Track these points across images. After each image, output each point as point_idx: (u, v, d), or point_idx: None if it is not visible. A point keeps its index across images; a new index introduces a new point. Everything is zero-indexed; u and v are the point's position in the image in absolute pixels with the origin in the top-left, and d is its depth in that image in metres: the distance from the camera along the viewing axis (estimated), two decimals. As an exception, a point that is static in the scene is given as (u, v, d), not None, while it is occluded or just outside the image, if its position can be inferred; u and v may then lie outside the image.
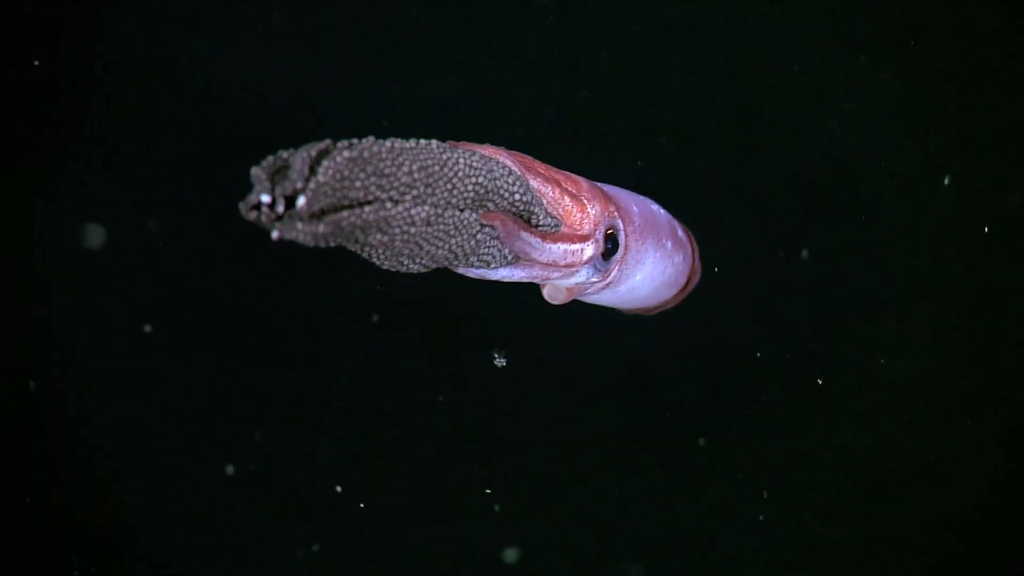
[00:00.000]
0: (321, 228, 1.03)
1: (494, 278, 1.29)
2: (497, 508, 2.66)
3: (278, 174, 1.05)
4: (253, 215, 1.04)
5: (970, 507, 2.64)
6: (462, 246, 1.18)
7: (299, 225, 1.02)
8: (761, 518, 2.67)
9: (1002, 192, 2.62)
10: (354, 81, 2.60)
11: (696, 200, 2.42)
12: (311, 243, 1.03)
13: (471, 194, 1.17)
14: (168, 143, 2.56)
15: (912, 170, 2.66)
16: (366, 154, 1.07)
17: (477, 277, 1.29)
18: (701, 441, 2.70)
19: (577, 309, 1.70)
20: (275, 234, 1.02)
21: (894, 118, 2.64)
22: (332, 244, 1.07)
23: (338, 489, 2.61)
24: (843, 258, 2.69)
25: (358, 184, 1.06)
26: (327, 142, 1.08)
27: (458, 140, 1.24)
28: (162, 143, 2.57)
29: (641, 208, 1.57)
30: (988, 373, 2.65)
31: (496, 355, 1.76)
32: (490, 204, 1.20)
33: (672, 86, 2.68)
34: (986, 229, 2.60)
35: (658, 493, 2.72)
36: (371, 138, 1.09)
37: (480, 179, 1.18)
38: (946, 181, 2.62)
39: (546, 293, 1.45)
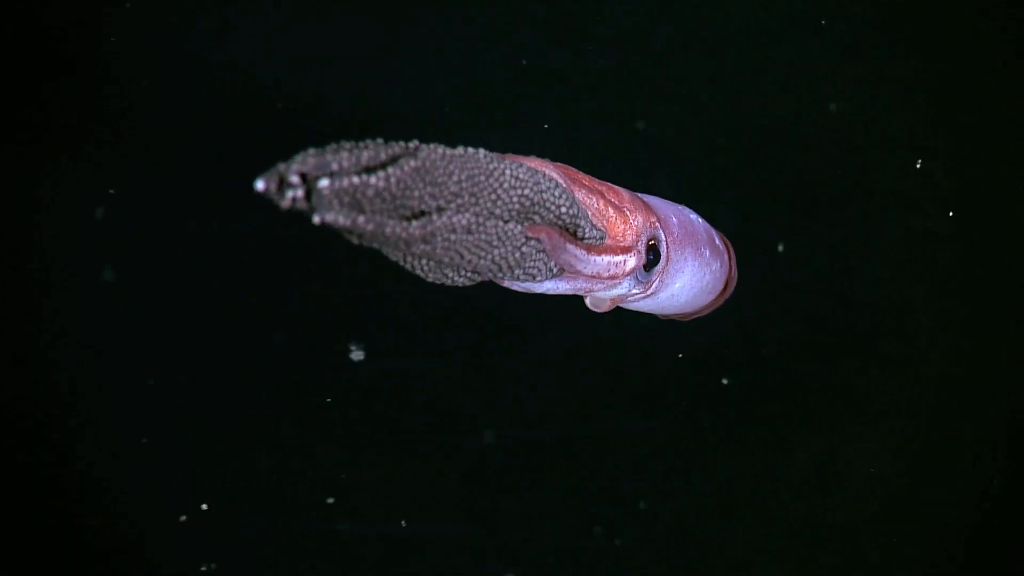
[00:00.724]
0: (362, 220, 1.00)
1: (539, 291, 1.28)
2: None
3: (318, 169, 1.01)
4: (283, 191, 0.98)
5: (971, 507, 2.64)
6: (506, 258, 1.16)
7: (335, 205, 0.99)
8: (763, 518, 2.68)
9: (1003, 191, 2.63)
10: (365, 82, 2.60)
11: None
12: (352, 228, 1.00)
13: (516, 206, 1.16)
14: (170, 142, 2.56)
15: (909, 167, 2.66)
16: (427, 164, 1.06)
17: (522, 290, 1.28)
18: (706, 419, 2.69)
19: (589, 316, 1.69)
20: (316, 218, 0.98)
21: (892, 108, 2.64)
22: (371, 244, 1.04)
23: (330, 501, 2.60)
24: (843, 257, 2.69)
25: (416, 194, 1.05)
26: (388, 146, 1.05)
27: (495, 150, 1.22)
28: (165, 141, 2.56)
29: (680, 218, 1.58)
30: (990, 372, 2.65)
31: (353, 348, 1.75)
32: (536, 217, 1.19)
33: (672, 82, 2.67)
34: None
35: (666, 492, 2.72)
36: (431, 145, 1.08)
37: (526, 191, 1.17)
38: (918, 164, 2.62)
39: (589, 303, 1.46)
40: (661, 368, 2.70)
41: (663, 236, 1.45)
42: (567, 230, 1.24)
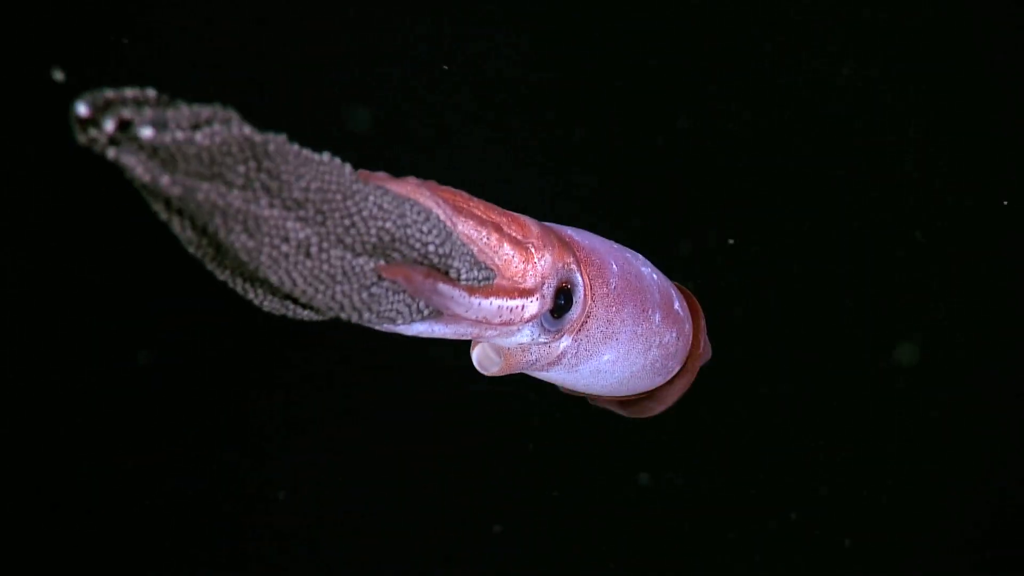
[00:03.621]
0: (166, 180, 0.85)
1: (409, 334, 1.09)
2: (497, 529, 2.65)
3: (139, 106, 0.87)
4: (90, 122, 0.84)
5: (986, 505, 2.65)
6: (350, 297, 0.99)
7: (140, 155, 0.84)
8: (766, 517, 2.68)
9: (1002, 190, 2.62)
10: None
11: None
12: (150, 184, 0.86)
13: (373, 239, 0.99)
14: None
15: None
16: (271, 146, 0.90)
17: (388, 331, 1.09)
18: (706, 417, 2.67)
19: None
20: (111, 152, 0.83)
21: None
22: (176, 218, 0.89)
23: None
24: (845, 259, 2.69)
25: (241, 169, 0.89)
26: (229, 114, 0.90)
27: (373, 170, 1.06)
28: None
29: (623, 267, 1.29)
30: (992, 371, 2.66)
31: None
32: (396, 254, 1.02)
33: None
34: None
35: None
36: (283, 136, 0.92)
37: (388, 224, 1.00)
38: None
39: (475, 358, 1.23)
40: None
41: (580, 281, 1.20)
42: (438, 270, 1.06)
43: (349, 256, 0.98)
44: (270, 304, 0.99)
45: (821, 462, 2.72)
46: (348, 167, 0.96)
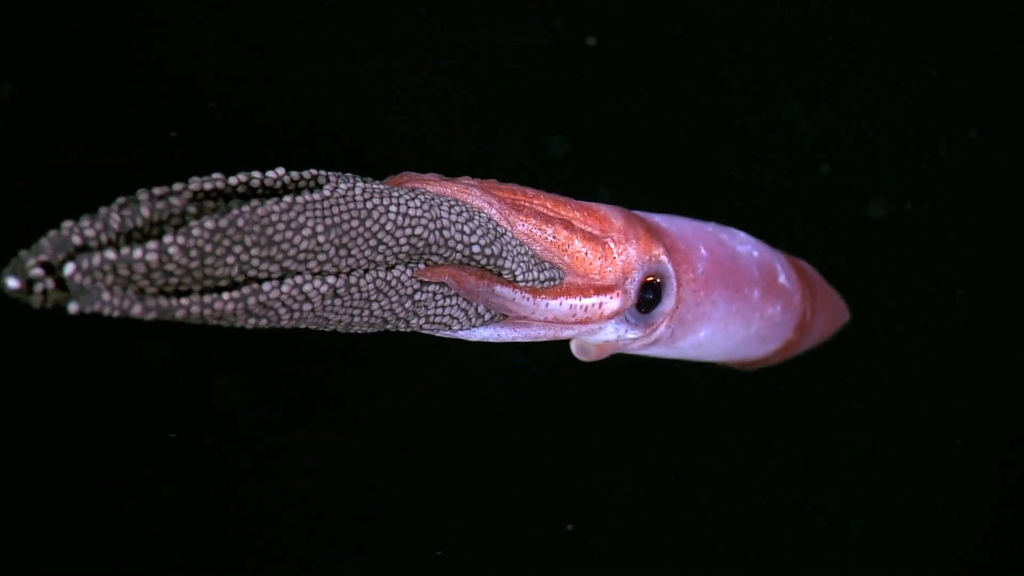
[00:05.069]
0: (137, 308, 0.78)
1: (474, 339, 1.07)
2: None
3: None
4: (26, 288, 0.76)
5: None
6: (391, 310, 0.96)
7: (104, 295, 0.77)
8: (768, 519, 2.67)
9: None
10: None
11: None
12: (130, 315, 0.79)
13: (405, 248, 0.95)
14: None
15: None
16: (240, 222, 0.83)
17: (450, 336, 1.06)
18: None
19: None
20: (73, 306, 0.77)
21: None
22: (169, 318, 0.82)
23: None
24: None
25: (230, 261, 0.82)
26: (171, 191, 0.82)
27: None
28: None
29: (714, 251, 1.28)
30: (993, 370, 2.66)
31: None
32: (436, 258, 0.98)
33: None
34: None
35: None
36: (252, 204, 0.84)
37: (419, 230, 0.95)
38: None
39: (575, 349, 1.21)
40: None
41: (671, 272, 1.19)
42: (490, 271, 1.02)
43: (381, 274, 0.95)
44: (309, 322, 0.95)
45: (822, 461, 2.72)
46: (360, 186, 0.93)
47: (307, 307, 0.89)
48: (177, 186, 0.84)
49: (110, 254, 0.78)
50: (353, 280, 0.92)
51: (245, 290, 0.84)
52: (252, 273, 0.85)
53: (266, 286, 0.86)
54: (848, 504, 2.71)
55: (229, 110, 2.42)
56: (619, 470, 2.70)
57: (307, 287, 0.88)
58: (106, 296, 0.77)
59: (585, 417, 2.67)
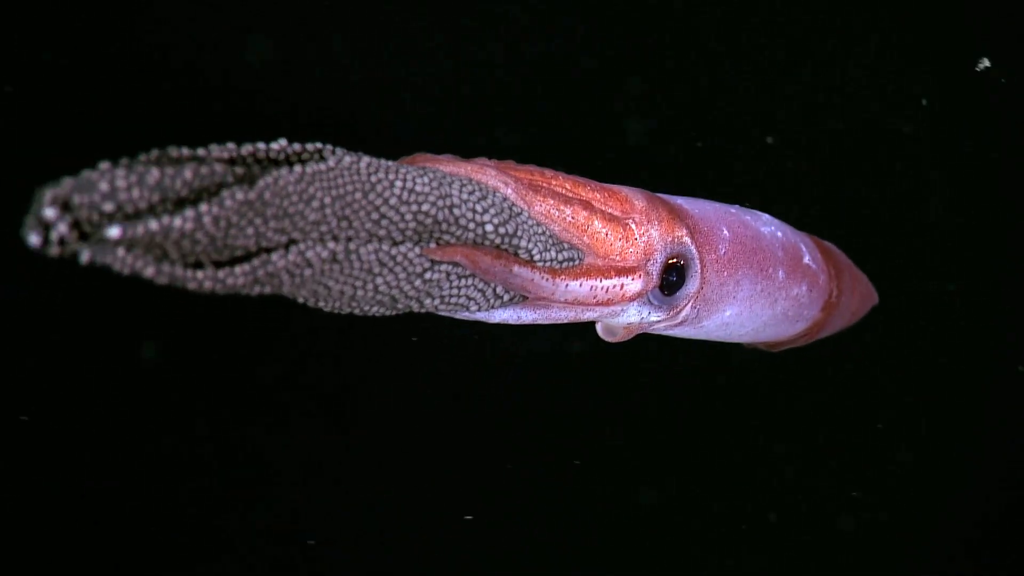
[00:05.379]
0: (151, 271, 0.79)
1: (493, 321, 1.06)
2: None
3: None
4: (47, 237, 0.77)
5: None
6: (398, 286, 0.95)
7: (119, 252, 0.77)
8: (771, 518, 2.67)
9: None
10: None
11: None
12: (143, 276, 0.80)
13: (411, 224, 0.95)
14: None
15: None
16: (270, 193, 0.84)
17: (470, 319, 1.05)
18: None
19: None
20: (85, 255, 0.77)
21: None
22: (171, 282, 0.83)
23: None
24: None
25: (250, 232, 0.84)
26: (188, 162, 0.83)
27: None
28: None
29: (737, 232, 1.27)
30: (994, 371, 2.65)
31: None
32: (448, 237, 0.97)
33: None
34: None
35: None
36: (280, 172, 0.86)
37: (425, 207, 0.95)
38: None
39: (600, 330, 1.21)
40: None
41: (695, 253, 1.18)
42: (506, 252, 1.01)
43: (386, 247, 0.94)
44: (330, 305, 0.95)
45: (820, 462, 2.72)
46: (364, 161, 0.93)
47: (308, 271, 0.89)
48: (201, 152, 0.86)
49: (153, 224, 0.78)
50: (352, 247, 0.92)
51: (255, 262, 0.86)
52: (264, 244, 0.87)
53: (274, 256, 0.87)
54: (847, 504, 2.71)
55: (229, 110, 2.42)
56: (619, 469, 2.70)
57: (309, 252, 0.89)
58: (121, 253, 0.78)
59: (585, 417, 2.67)
